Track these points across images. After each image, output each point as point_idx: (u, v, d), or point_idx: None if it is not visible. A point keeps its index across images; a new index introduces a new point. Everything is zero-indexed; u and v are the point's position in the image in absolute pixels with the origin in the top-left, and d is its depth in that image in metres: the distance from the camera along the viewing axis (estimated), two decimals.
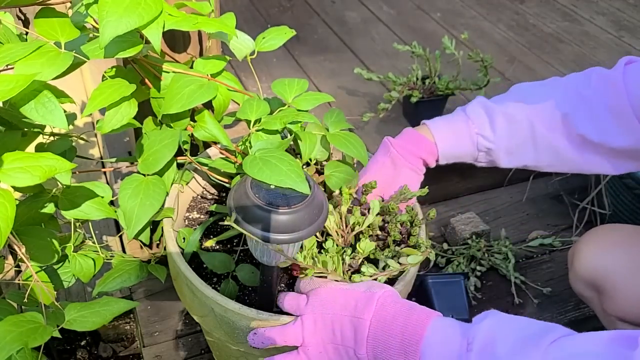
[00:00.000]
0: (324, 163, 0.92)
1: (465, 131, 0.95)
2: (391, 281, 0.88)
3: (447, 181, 1.52)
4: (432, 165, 0.98)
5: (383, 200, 0.92)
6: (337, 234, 0.85)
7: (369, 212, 0.86)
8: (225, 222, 0.70)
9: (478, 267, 1.33)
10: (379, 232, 0.90)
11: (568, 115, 0.93)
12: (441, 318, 0.66)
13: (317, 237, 0.85)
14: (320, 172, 0.91)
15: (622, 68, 0.91)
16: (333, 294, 0.71)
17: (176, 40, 1.00)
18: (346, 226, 0.86)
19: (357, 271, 0.83)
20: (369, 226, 0.86)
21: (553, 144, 0.94)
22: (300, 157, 0.91)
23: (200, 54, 1.04)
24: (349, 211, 0.88)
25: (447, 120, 0.97)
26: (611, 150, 0.92)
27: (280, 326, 0.71)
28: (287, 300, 0.74)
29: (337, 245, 0.83)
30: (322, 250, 0.83)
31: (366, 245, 0.81)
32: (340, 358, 0.68)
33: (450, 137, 0.96)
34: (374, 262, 0.84)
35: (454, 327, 0.64)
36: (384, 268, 0.83)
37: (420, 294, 1.22)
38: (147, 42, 0.71)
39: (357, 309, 0.68)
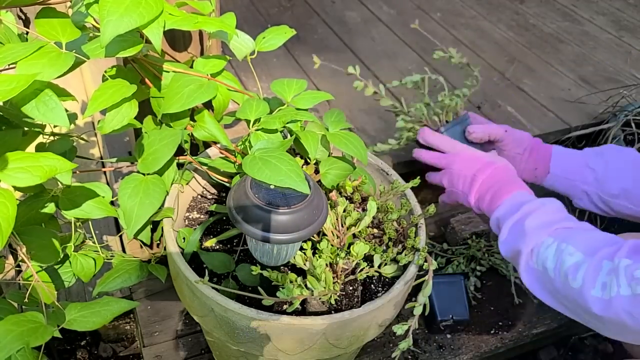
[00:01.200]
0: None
1: (578, 156, 1.14)
2: (391, 281, 0.88)
3: None
4: (542, 177, 1.17)
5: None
6: (333, 234, 0.85)
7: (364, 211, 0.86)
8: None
9: (478, 267, 1.33)
10: (375, 231, 0.90)
11: None
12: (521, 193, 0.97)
13: (313, 237, 0.85)
14: (318, 171, 0.92)
15: None
16: (465, 157, 1.06)
17: (176, 39, 1.00)
18: (342, 226, 0.86)
19: (352, 272, 0.83)
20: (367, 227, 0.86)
21: None
22: (301, 156, 0.92)
23: (201, 54, 1.04)
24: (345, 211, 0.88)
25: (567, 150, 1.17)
26: None
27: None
28: (434, 157, 1.10)
29: (331, 245, 0.83)
30: (316, 252, 0.83)
31: (360, 249, 0.81)
32: (460, 198, 1.05)
33: (565, 158, 1.15)
34: (370, 257, 0.84)
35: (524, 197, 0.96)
36: (379, 266, 0.83)
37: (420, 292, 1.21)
38: (148, 41, 0.71)
39: (478, 170, 1.02)
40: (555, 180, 1.14)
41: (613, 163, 1.09)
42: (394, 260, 0.86)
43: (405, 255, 0.85)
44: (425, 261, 0.85)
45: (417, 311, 0.81)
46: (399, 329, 0.79)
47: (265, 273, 0.77)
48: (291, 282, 0.77)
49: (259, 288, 0.74)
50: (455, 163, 1.05)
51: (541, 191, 1.14)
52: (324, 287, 0.78)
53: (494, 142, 1.16)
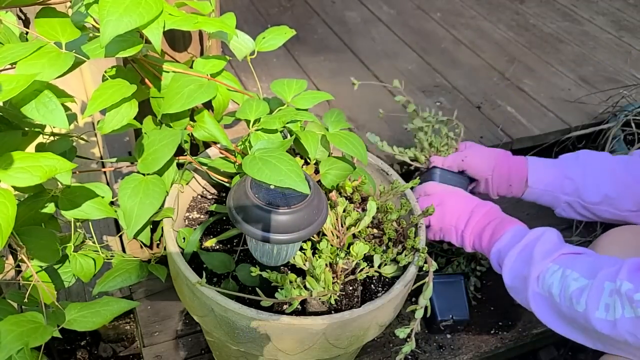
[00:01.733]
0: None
1: (553, 165, 1.14)
2: (391, 281, 0.88)
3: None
4: (518, 192, 1.16)
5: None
6: (333, 234, 0.85)
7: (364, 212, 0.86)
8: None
9: (478, 267, 1.33)
10: (374, 231, 0.90)
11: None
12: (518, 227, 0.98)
13: (312, 237, 0.85)
14: (318, 171, 0.92)
15: None
16: (460, 195, 1.07)
17: (176, 39, 1.00)
18: (342, 226, 0.86)
19: (352, 272, 0.83)
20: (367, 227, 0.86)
21: None
22: (301, 156, 0.92)
23: (201, 54, 1.04)
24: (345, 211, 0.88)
25: (541, 160, 1.17)
26: None
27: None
28: (423, 202, 1.06)
29: (331, 246, 0.83)
30: (316, 252, 0.83)
31: (360, 249, 0.81)
32: (451, 235, 1.05)
33: (541, 170, 1.14)
34: (370, 257, 0.84)
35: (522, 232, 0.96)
36: (379, 266, 0.83)
37: (420, 294, 1.21)
38: (147, 41, 0.71)
39: (474, 207, 1.03)
40: (535, 194, 1.15)
41: (590, 170, 1.10)
42: (394, 261, 0.86)
43: (405, 255, 0.85)
44: (425, 262, 0.85)
45: (419, 314, 0.81)
46: (401, 333, 0.79)
47: (264, 274, 0.77)
48: (290, 282, 0.77)
49: (257, 289, 0.74)
50: (450, 199, 1.06)
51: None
52: (324, 288, 0.78)
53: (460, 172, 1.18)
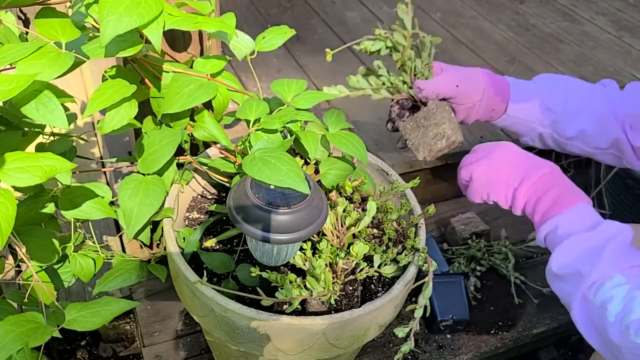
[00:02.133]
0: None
1: (534, 88, 1.07)
2: (391, 281, 0.88)
3: (447, 181, 1.52)
4: (497, 116, 1.07)
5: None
6: (333, 234, 0.85)
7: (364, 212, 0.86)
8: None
9: (478, 267, 1.33)
10: (374, 231, 0.90)
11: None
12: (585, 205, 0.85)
13: (312, 237, 0.85)
14: (318, 171, 0.92)
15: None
16: (509, 147, 0.93)
17: (176, 39, 1.00)
18: (342, 226, 0.86)
19: (352, 272, 0.83)
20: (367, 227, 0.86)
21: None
22: (301, 156, 0.91)
23: (201, 54, 1.04)
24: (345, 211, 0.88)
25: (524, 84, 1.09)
26: None
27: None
28: (466, 157, 0.97)
29: (331, 246, 0.83)
30: (316, 252, 0.83)
31: (360, 249, 0.81)
32: (498, 195, 0.91)
33: (521, 90, 1.06)
34: (370, 257, 0.84)
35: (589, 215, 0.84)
36: (379, 266, 0.83)
37: (420, 294, 1.21)
38: (147, 41, 0.71)
39: (531, 164, 0.90)
40: (510, 121, 1.06)
41: (571, 99, 1.03)
42: (394, 261, 0.86)
43: (405, 255, 0.85)
44: (425, 262, 0.85)
45: (418, 314, 0.80)
46: (401, 332, 0.78)
47: (264, 274, 0.77)
48: (290, 282, 0.77)
49: (258, 289, 0.74)
50: (497, 151, 0.92)
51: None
52: (324, 288, 0.78)
53: (446, 99, 1.03)
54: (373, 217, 0.88)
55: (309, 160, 0.90)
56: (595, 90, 1.06)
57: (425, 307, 0.80)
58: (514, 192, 0.89)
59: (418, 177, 0.94)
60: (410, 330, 0.78)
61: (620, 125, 1.01)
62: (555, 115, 1.04)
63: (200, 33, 1.02)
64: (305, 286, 0.77)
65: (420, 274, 0.84)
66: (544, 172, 0.88)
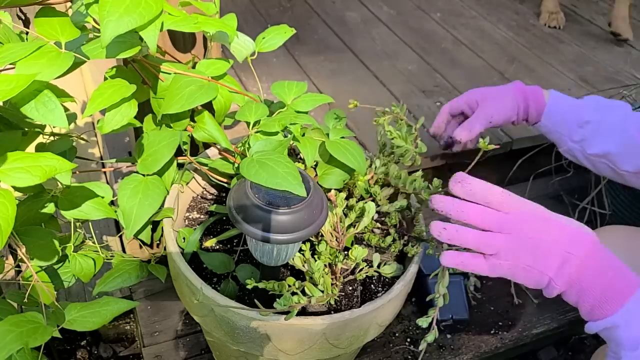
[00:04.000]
0: None
1: (574, 104, 1.10)
2: (391, 281, 0.88)
3: (447, 181, 1.52)
4: (533, 121, 1.13)
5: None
6: (332, 236, 0.85)
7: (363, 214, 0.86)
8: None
9: None
10: (378, 226, 0.90)
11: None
12: None
13: (311, 238, 0.85)
14: None
15: None
16: (542, 220, 0.71)
17: (180, 40, 1.00)
18: (341, 228, 0.86)
19: (352, 272, 0.83)
20: (367, 228, 0.86)
21: None
22: (301, 159, 0.91)
23: (205, 56, 1.04)
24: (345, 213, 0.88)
25: (565, 99, 1.12)
26: None
27: (479, 231, 0.71)
28: (488, 213, 0.71)
29: (330, 247, 0.83)
30: (315, 254, 0.83)
31: (359, 253, 0.81)
32: (527, 279, 0.72)
33: (561, 103, 1.11)
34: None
35: None
36: (378, 266, 0.83)
37: (420, 293, 1.22)
38: None
39: (569, 244, 0.70)
40: (544, 129, 1.13)
41: (604, 121, 1.06)
42: (400, 255, 0.85)
43: (413, 246, 0.85)
44: (437, 251, 0.84)
45: (439, 303, 0.77)
46: (424, 322, 0.74)
47: (261, 285, 0.76)
48: (289, 286, 0.77)
49: (256, 300, 0.74)
50: (529, 225, 0.70)
51: None
52: (322, 291, 0.78)
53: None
54: (376, 212, 0.87)
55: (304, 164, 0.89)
56: (630, 113, 1.08)
57: (445, 295, 0.78)
58: (549, 281, 0.71)
59: (420, 171, 0.94)
60: (432, 319, 0.75)
61: None
62: (584, 134, 1.08)
63: (204, 34, 1.02)
64: (303, 291, 0.77)
65: (420, 275, 0.83)
66: (584, 252, 0.69)
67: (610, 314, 0.68)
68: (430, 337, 0.75)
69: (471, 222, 0.71)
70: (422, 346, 0.74)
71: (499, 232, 0.71)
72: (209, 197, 0.99)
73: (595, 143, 1.07)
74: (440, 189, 0.83)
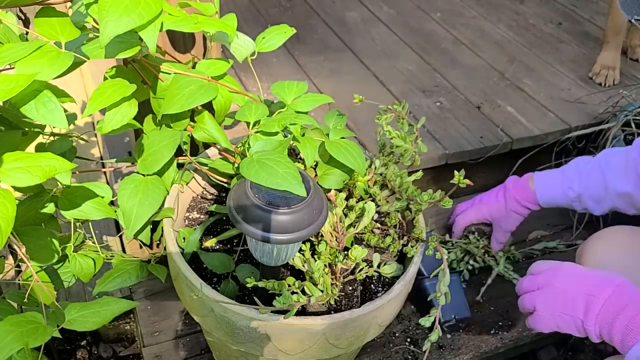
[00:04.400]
0: None
1: (559, 185, 1.16)
2: (391, 281, 0.88)
3: (447, 181, 1.51)
4: (536, 208, 1.21)
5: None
6: (332, 236, 0.85)
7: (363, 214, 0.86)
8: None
9: (471, 262, 1.33)
10: (378, 226, 0.90)
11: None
12: None
13: (311, 239, 0.85)
14: None
15: None
16: (570, 273, 0.85)
17: (179, 40, 1.00)
18: (341, 228, 0.86)
19: (352, 272, 0.83)
20: (367, 228, 0.86)
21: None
22: (301, 160, 0.91)
23: (204, 56, 1.04)
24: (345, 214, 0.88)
25: (548, 176, 1.19)
26: None
27: (520, 296, 0.90)
28: (524, 280, 0.90)
29: (330, 247, 0.83)
30: (315, 254, 0.83)
31: (358, 253, 0.81)
32: (567, 326, 0.83)
33: (547, 190, 1.18)
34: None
35: None
36: (378, 266, 0.83)
37: (419, 296, 1.21)
38: None
39: (593, 287, 0.81)
40: (548, 204, 1.19)
41: (592, 189, 1.12)
42: (399, 255, 0.85)
43: (412, 246, 0.85)
44: (436, 251, 0.84)
45: (441, 301, 0.78)
46: (427, 322, 0.76)
47: (261, 284, 0.76)
48: (289, 285, 0.77)
49: (255, 298, 0.74)
50: (557, 279, 0.85)
51: None
52: (322, 291, 0.78)
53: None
54: (376, 212, 0.87)
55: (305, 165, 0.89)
56: (618, 165, 1.10)
57: (446, 294, 0.78)
58: (582, 324, 0.81)
59: (420, 171, 0.94)
60: (435, 319, 0.77)
61: None
62: (576, 192, 1.14)
63: (204, 34, 1.01)
64: (303, 291, 0.77)
65: (419, 275, 0.83)
66: (608, 293, 0.79)
67: (635, 343, 0.75)
68: (434, 336, 0.76)
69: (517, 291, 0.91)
70: (427, 346, 0.77)
71: (535, 290, 0.86)
72: (209, 197, 0.99)
73: (598, 208, 1.13)
74: (434, 200, 0.88)
